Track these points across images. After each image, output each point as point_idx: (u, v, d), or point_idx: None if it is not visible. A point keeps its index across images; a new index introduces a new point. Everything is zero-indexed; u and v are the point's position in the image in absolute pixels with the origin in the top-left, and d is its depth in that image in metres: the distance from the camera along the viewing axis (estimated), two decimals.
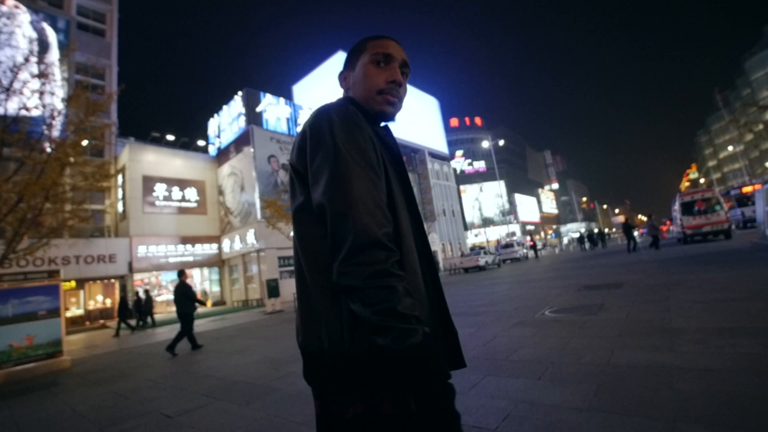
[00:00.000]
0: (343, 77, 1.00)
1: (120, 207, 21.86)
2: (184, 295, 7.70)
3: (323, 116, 0.81)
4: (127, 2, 25.71)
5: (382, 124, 0.98)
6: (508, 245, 29.52)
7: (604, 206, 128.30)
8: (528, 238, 37.22)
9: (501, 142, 42.41)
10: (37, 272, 7.90)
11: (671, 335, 3.35)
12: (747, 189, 24.97)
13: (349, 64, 0.99)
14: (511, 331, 4.52)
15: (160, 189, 22.39)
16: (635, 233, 16.24)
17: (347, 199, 0.71)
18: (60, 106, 9.21)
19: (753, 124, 32.30)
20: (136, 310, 15.88)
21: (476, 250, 25.11)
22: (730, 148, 63.30)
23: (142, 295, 16.50)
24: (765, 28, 55.15)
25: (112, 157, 22.04)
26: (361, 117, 0.84)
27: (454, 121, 75.57)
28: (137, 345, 9.71)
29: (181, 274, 7.98)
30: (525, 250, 30.36)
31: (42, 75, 8.38)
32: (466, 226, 49.47)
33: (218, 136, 27.27)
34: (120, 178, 21.91)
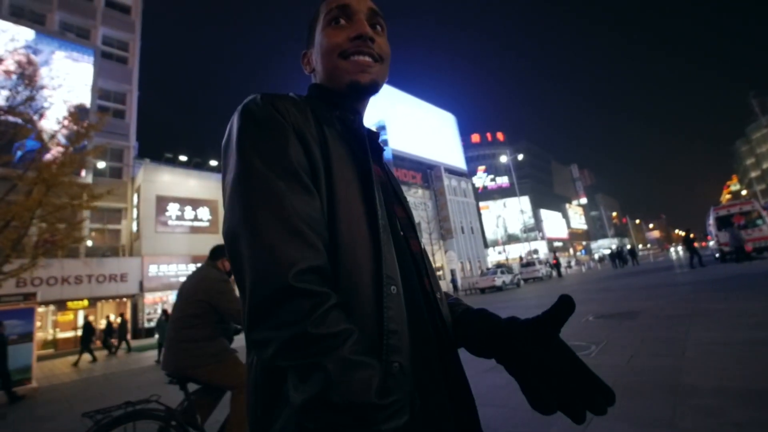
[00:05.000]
0: (306, 60, 0.79)
1: (134, 227, 22.28)
2: None
3: (235, 114, 0.61)
4: (148, 30, 27.05)
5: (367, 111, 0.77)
6: (529, 263, 27.96)
7: (637, 221, 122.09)
8: (553, 255, 35.28)
9: (520, 157, 41.27)
10: (12, 295, 7.74)
11: (677, 398, 2.49)
12: None
13: (309, 41, 0.77)
14: (483, 378, 3.69)
15: (173, 209, 22.70)
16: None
17: (244, 226, 0.50)
18: (54, 127, 9.29)
19: None
20: (106, 335, 15.01)
21: (492, 269, 23.82)
22: None
23: (116, 319, 16.16)
24: None
25: (129, 178, 22.68)
26: (292, 103, 0.62)
27: (475, 137, 74.43)
28: (118, 371, 9.34)
29: None
30: (548, 269, 28.57)
31: (29, 98, 8.43)
32: (486, 244, 47.79)
33: None
34: (135, 198, 22.43)
